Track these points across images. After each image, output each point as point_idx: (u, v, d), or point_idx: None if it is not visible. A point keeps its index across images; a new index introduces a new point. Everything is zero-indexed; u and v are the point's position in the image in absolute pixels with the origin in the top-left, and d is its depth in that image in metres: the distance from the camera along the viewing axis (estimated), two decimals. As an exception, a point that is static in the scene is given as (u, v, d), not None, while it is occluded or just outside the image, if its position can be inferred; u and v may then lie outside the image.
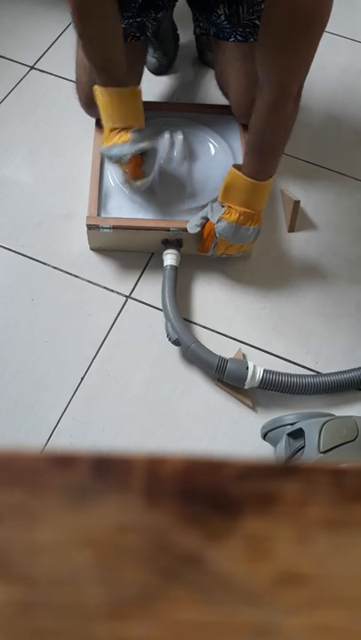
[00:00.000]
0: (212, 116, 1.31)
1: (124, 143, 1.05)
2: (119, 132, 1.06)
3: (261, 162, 1.05)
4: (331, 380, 1.03)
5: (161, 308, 1.11)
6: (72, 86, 1.23)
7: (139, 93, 1.07)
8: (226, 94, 1.29)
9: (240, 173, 1.04)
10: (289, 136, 1.04)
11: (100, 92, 1.05)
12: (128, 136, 1.05)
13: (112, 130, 1.06)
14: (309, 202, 1.30)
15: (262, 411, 1.05)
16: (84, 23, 0.98)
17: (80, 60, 1.19)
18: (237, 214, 1.05)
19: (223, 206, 1.07)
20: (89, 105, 1.22)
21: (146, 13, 1.17)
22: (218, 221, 1.07)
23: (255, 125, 1.03)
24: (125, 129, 1.06)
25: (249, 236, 1.10)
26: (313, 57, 0.92)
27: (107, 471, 0.20)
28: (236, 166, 1.06)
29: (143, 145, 1.06)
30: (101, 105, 1.06)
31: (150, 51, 1.45)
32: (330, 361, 1.10)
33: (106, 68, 1.03)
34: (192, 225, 1.10)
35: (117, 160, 1.07)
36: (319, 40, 0.89)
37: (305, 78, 0.96)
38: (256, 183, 1.04)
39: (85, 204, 1.15)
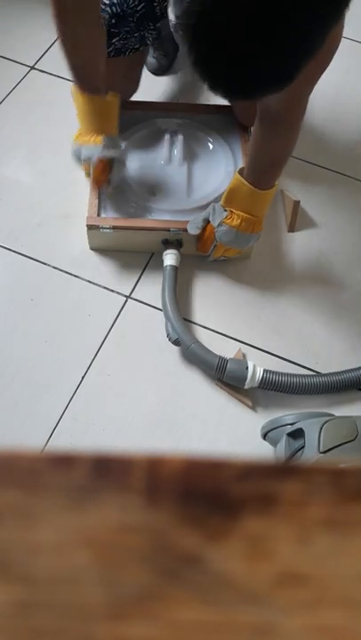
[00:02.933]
0: (212, 117, 1.31)
1: (95, 145, 1.05)
2: (91, 133, 1.06)
3: (264, 174, 1.05)
4: (331, 380, 1.03)
5: (161, 308, 1.11)
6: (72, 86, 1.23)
7: (115, 103, 1.06)
8: None
9: (244, 180, 1.03)
10: (293, 148, 1.03)
11: (75, 94, 1.03)
12: (100, 139, 1.05)
13: (87, 131, 1.06)
14: (310, 202, 1.30)
15: (262, 411, 1.05)
16: (62, 28, 0.94)
17: None
18: (239, 220, 1.05)
19: (225, 210, 1.07)
20: None
21: (144, 26, 1.15)
22: (219, 225, 1.07)
23: (259, 141, 1.02)
24: (98, 132, 1.06)
25: (249, 242, 1.10)
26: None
27: (107, 471, 0.20)
28: (241, 171, 1.06)
29: (112, 152, 1.07)
30: (76, 105, 1.05)
31: (150, 51, 1.45)
32: (330, 361, 1.10)
33: (81, 76, 1.01)
34: (193, 226, 1.10)
35: (85, 160, 1.07)
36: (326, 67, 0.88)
37: (312, 90, 0.94)
38: (259, 192, 1.04)
39: (85, 204, 1.15)
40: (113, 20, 1.10)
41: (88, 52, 0.99)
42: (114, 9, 1.09)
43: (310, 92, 0.93)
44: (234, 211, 1.06)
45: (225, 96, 0.69)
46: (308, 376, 1.03)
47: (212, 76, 0.65)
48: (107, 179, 1.12)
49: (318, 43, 0.61)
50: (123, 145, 1.12)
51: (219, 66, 0.63)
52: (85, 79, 1.01)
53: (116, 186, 1.14)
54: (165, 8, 1.20)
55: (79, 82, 1.02)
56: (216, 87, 0.65)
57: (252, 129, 1.05)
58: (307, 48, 0.61)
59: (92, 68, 1.01)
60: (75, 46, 0.96)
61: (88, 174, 1.12)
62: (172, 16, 0.65)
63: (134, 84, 1.28)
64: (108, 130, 1.07)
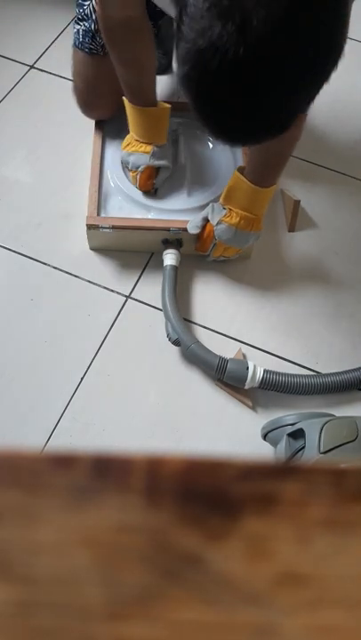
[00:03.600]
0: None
1: (143, 153, 1.12)
2: (142, 143, 1.12)
3: (266, 171, 1.05)
4: (331, 381, 1.03)
5: (161, 307, 1.11)
6: (72, 86, 1.23)
7: (165, 114, 1.11)
8: None
9: (243, 178, 1.04)
10: (295, 145, 1.04)
11: (129, 108, 1.08)
12: (150, 149, 1.12)
13: (137, 140, 1.12)
14: (310, 201, 1.30)
15: (262, 411, 1.05)
16: (112, 48, 1.01)
17: (76, 70, 1.19)
18: (238, 218, 1.05)
19: (224, 208, 1.07)
20: (87, 109, 1.22)
21: None
22: (218, 224, 1.07)
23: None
24: (148, 142, 1.12)
25: (248, 240, 1.10)
26: None
27: (107, 471, 0.20)
28: (240, 169, 1.06)
29: (161, 162, 1.13)
30: (128, 115, 1.10)
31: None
32: (330, 361, 1.10)
33: (133, 92, 1.06)
34: (192, 225, 1.10)
35: (133, 168, 1.14)
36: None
37: None
38: (259, 189, 1.04)
39: (85, 203, 1.15)
40: None
41: (139, 72, 1.05)
42: None
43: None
44: (233, 209, 1.06)
45: (231, 144, 0.72)
46: (308, 376, 1.03)
47: (216, 130, 0.65)
48: (153, 185, 1.17)
49: (318, 89, 0.63)
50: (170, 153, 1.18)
51: (222, 123, 0.63)
52: (136, 94, 1.07)
53: (158, 187, 1.19)
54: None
55: (130, 96, 1.07)
56: (221, 136, 0.66)
57: None
58: (311, 96, 0.63)
59: (144, 85, 1.06)
60: (126, 67, 1.03)
61: (135, 180, 1.17)
62: (174, 66, 0.67)
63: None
64: (159, 138, 1.13)
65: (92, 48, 1.12)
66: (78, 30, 1.14)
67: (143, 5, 0.97)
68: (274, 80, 0.57)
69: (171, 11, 1.04)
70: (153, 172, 1.15)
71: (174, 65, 0.66)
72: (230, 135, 0.66)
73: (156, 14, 1.17)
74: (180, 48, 0.57)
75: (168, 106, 1.10)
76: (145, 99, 1.07)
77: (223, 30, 0.52)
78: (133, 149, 1.12)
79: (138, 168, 1.13)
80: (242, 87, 0.57)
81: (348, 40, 0.64)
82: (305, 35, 0.55)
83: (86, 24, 1.11)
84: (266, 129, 0.64)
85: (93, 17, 1.10)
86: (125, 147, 1.14)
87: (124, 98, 1.08)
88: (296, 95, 0.61)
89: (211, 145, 1.27)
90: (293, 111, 0.63)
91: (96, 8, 0.93)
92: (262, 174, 1.04)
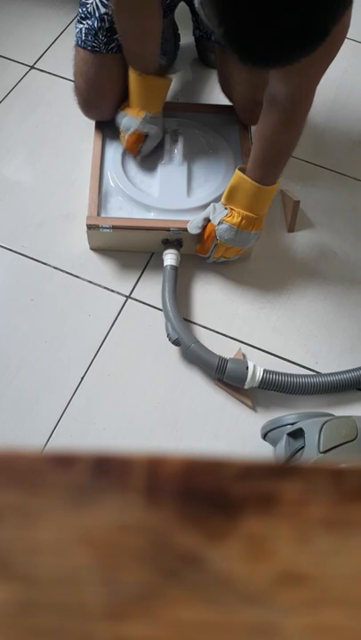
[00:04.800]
0: (212, 116, 1.31)
1: (136, 116, 1.15)
2: (138, 108, 1.16)
3: (269, 168, 1.05)
4: (331, 380, 1.03)
5: (161, 307, 1.11)
6: (72, 86, 1.23)
7: (165, 85, 1.16)
8: (229, 97, 1.29)
9: (246, 177, 1.04)
10: (298, 141, 1.04)
11: (131, 75, 1.12)
12: (142, 114, 1.15)
13: (132, 104, 1.16)
14: (310, 202, 1.30)
15: (262, 411, 1.05)
16: (120, 16, 1.03)
17: (77, 69, 1.19)
18: (240, 217, 1.05)
19: (226, 208, 1.07)
20: (87, 109, 1.22)
21: None
22: (219, 223, 1.07)
23: (265, 135, 1.02)
24: (143, 108, 1.15)
25: (249, 241, 1.10)
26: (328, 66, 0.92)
27: (107, 471, 0.20)
28: (241, 169, 1.06)
29: (148, 128, 1.16)
30: (130, 85, 1.15)
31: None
32: (330, 361, 1.10)
33: (135, 58, 1.10)
34: (193, 225, 1.10)
35: (123, 129, 1.17)
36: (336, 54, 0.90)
37: (319, 82, 0.96)
38: (261, 188, 1.04)
39: (85, 204, 1.15)
40: None
41: (144, 41, 1.08)
42: None
43: (318, 82, 0.96)
44: (234, 208, 1.06)
45: (261, 63, 0.71)
46: (308, 376, 1.03)
47: (245, 44, 0.67)
48: (138, 149, 1.20)
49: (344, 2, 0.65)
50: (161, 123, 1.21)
51: (252, 32, 0.65)
52: (138, 61, 1.10)
53: (144, 156, 1.23)
54: (167, 6, 1.20)
55: (131, 62, 1.11)
56: (251, 55, 0.68)
57: (255, 126, 1.06)
58: (335, 6, 0.64)
59: (146, 53, 1.10)
60: (132, 35, 1.07)
61: (123, 141, 1.20)
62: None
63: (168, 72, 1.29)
64: (151, 108, 1.16)
65: (95, 46, 1.13)
66: (81, 29, 1.14)
67: None
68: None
69: None
70: (141, 137, 1.18)
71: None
72: (265, 51, 0.67)
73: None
74: None
75: (170, 78, 1.16)
76: (146, 66, 1.11)
77: None
78: (128, 112, 1.17)
79: (128, 130, 1.16)
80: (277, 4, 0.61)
81: (347, 41, 0.65)
82: None
83: (89, 22, 1.11)
84: (299, 37, 0.66)
85: (97, 14, 1.10)
86: (123, 108, 1.18)
87: (129, 67, 1.12)
88: (328, 8, 0.64)
89: (211, 145, 1.27)
90: (326, 15, 0.65)
91: None
92: (264, 172, 1.04)
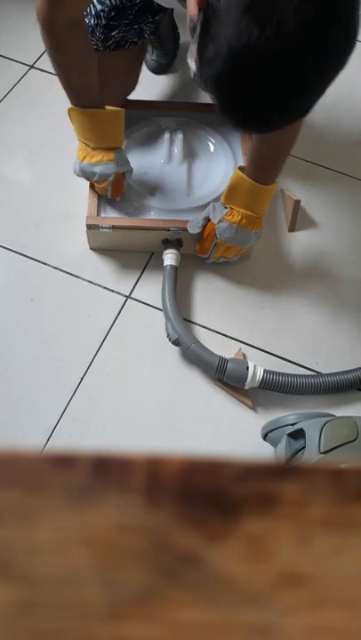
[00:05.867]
0: (212, 116, 1.30)
1: (108, 162, 1.06)
2: (100, 150, 1.06)
3: (268, 168, 1.05)
4: (331, 381, 1.03)
5: (161, 307, 1.11)
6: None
7: (121, 115, 1.06)
8: None
9: (245, 176, 1.04)
10: (296, 140, 1.04)
11: (76, 114, 1.02)
12: (113, 156, 1.06)
13: (94, 148, 1.07)
14: (310, 201, 1.30)
15: (262, 411, 1.05)
16: (60, 54, 0.95)
17: None
18: (240, 216, 1.06)
19: (226, 207, 1.07)
20: None
21: (143, 19, 1.17)
22: (219, 222, 1.07)
23: (263, 135, 1.02)
24: (107, 149, 1.06)
25: (249, 240, 1.10)
26: None
27: (107, 471, 0.20)
28: (241, 168, 1.06)
29: (125, 166, 1.10)
30: (79, 124, 1.05)
31: (150, 50, 1.45)
32: (330, 361, 1.10)
33: (84, 94, 1.01)
34: (193, 225, 1.10)
35: (101, 179, 1.08)
36: None
37: None
38: (261, 187, 1.04)
39: (85, 203, 1.15)
40: (112, 13, 1.11)
41: (87, 70, 1.00)
42: (113, 1, 1.10)
43: None
44: (234, 207, 1.06)
45: (255, 132, 0.78)
46: (308, 376, 1.03)
47: (246, 122, 0.73)
48: (122, 191, 1.14)
49: (336, 77, 0.68)
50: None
51: (254, 114, 0.69)
52: (87, 96, 1.01)
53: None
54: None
55: (81, 101, 1.01)
56: (248, 128, 0.75)
57: None
58: (329, 77, 0.68)
59: (92, 83, 1.01)
60: (75, 68, 0.98)
61: (103, 191, 1.12)
62: (192, 65, 0.73)
63: (133, 81, 1.28)
64: (117, 141, 1.08)
65: (92, 43, 1.13)
66: None
67: (87, 3, 0.99)
68: (305, 72, 0.63)
69: (170, 3, 1.05)
70: (121, 177, 1.11)
71: (191, 64, 0.70)
72: (260, 123, 0.72)
73: (153, 9, 1.17)
74: (209, 49, 0.63)
75: (122, 109, 1.05)
76: (95, 99, 1.02)
77: (261, 33, 0.58)
78: (96, 160, 1.07)
79: (108, 178, 1.08)
80: (276, 81, 0.63)
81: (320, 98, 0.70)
82: (332, 32, 0.61)
83: (86, 20, 1.11)
84: (295, 114, 0.71)
85: (93, 12, 1.10)
86: (84, 158, 1.08)
87: (69, 109, 1.02)
88: (322, 82, 0.68)
89: (211, 144, 1.27)
90: (318, 96, 0.69)
91: (40, 14, 0.88)
92: (263, 171, 1.04)
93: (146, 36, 1.22)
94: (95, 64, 1.01)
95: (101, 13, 1.10)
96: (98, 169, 1.07)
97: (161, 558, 0.19)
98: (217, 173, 1.22)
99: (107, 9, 1.10)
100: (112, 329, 1.11)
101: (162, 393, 1.05)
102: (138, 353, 1.09)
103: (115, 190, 1.11)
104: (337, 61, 0.66)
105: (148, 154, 1.24)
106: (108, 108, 1.03)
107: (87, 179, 1.11)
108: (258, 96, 0.65)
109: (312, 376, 1.04)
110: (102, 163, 1.07)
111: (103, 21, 1.10)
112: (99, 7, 1.10)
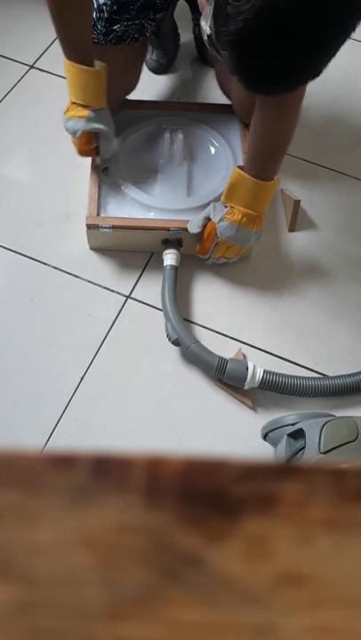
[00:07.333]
0: (212, 116, 1.31)
1: (79, 118, 1.07)
2: (78, 106, 1.07)
3: (267, 162, 1.05)
4: (331, 384, 1.02)
5: (161, 308, 1.11)
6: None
7: (102, 75, 1.05)
8: (227, 93, 1.29)
9: (245, 173, 1.04)
10: (293, 133, 1.04)
11: (66, 65, 1.03)
12: (85, 113, 1.06)
13: (73, 103, 1.07)
14: (310, 201, 1.30)
15: (262, 411, 1.05)
16: (60, 9, 0.96)
17: None
18: (240, 215, 1.05)
19: (226, 206, 1.07)
20: None
21: (145, 15, 1.18)
22: (220, 221, 1.07)
23: (260, 128, 1.02)
24: (85, 106, 1.06)
25: (250, 239, 1.10)
26: None
27: (107, 471, 0.20)
28: (240, 167, 1.06)
29: (96, 125, 1.08)
30: (67, 77, 1.05)
31: (150, 50, 1.45)
32: (330, 361, 1.10)
33: (77, 48, 1.01)
34: (193, 225, 1.10)
35: (71, 132, 1.09)
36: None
37: None
38: (261, 184, 1.04)
39: (85, 203, 1.15)
40: (115, 7, 1.12)
41: (76, 19, 0.99)
42: None
43: None
44: (235, 206, 1.06)
45: (267, 93, 0.79)
46: (308, 378, 1.03)
47: (255, 77, 0.74)
48: (93, 151, 1.14)
49: (352, 30, 0.69)
50: (110, 118, 1.13)
51: (264, 69, 0.70)
52: (76, 46, 1.01)
53: (106, 159, 1.17)
54: (166, 1, 1.21)
55: (69, 50, 1.01)
56: (259, 84, 0.75)
57: (251, 122, 1.06)
58: (345, 36, 0.69)
59: (84, 34, 1.01)
60: (68, 12, 0.97)
61: (77, 146, 1.13)
62: (206, 27, 0.75)
63: (134, 79, 1.28)
64: (96, 100, 1.07)
65: (94, 37, 1.13)
66: None
67: None
68: (326, 30, 0.66)
69: None
70: (92, 136, 1.10)
71: (205, 27, 0.72)
72: (274, 82, 0.73)
73: (155, 6, 1.17)
74: (230, 6, 0.65)
75: (105, 67, 1.05)
76: (85, 52, 1.02)
77: None
78: (70, 114, 1.08)
79: (76, 133, 1.08)
80: (297, 38, 0.66)
81: (349, 41, 0.69)
82: None
83: None
84: (309, 73, 0.73)
85: (95, 5, 1.10)
86: (66, 111, 1.09)
87: (64, 60, 1.03)
88: (339, 40, 0.70)
89: (211, 144, 1.27)
90: (332, 55, 0.71)
91: None
92: (263, 166, 1.04)
93: (147, 33, 1.23)
94: (89, 12, 1.01)
95: (104, 7, 1.10)
96: (70, 123, 1.08)
97: (161, 558, 0.19)
98: (217, 173, 1.22)
99: (109, 2, 1.11)
100: (112, 329, 1.11)
101: (162, 393, 1.05)
102: (138, 353, 1.09)
103: (80, 146, 1.11)
104: (352, 17, 0.67)
105: (148, 154, 1.24)
106: (94, 67, 1.03)
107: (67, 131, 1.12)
108: (275, 54, 0.67)
109: (312, 378, 1.04)
110: (74, 118, 1.07)
111: (105, 15, 1.10)
112: (101, 0, 1.10)
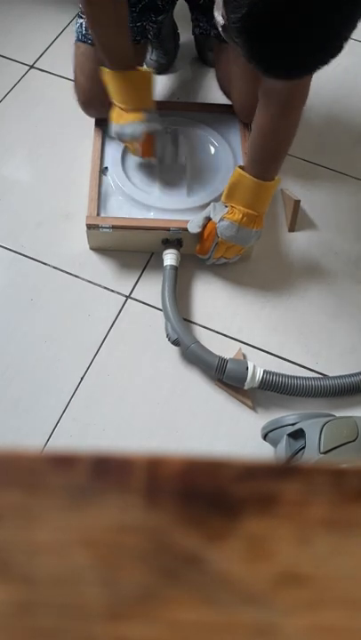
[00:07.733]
0: (212, 116, 1.31)
1: (137, 121, 1.08)
2: (129, 111, 1.08)
3: (268, 162, 1.05)
4: (331, 384, 1.02)
5: (161, 308, 1.11)
6: (71, 85, 1.23)
7: (150, 76, 1.08)
8: (228, 94, 1.29)
9: (245, 173, 1.04)
10: (295, 133, 1.04)
11: (110, 76, 1.05)
12: (141, 115, 1.08)
13: (125, 110, 1.09)
14: (310, 201, 1.30)
15: (262, 411, 1.05)
16: (91, 9, 0.98)
17: (78, 63, 1.19)
18: (240, 214, 1.05)
19: (226, 206, 1.07)
20: (88, 106, 1.22)
21: (146, 17, 1.18)
22: (220, 220, 1.07)
23: (263, 128, 1.02)
24: (136, 109, 1.08)
25: (250, 239, 1.10)
26: None
27: (107, 471, 0.20)
28: (241, 167, 1.06)
29: (155, 125, 1.11)
30: (111, 87, 1.07)
31: (150, 50, 1.45)
32: (330, 361, 1.10)
33: (115, 54, 1.04)
34: (193, 224, 1.10)
35: (130, 138, 1.10)
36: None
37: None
38: (261, 184, 1.04)
39: (85, 203, 1.15)
40: None
41: (119, 30, 1.02)
42: None
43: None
44: (235, 206, 1.06)
45: (283, 76, 0.77)
46: (308, 378, 1.03)
47: (269, 61, 0.73)
48: (154, 151, 1.17)
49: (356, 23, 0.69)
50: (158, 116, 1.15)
51: (278, 52, 0.70)
52: (118, 56, 1.03)
53: (160, 156, 1.20)
54: (167, 2, 1.21)
55: (111, 61, 1.04)
56: (275, 67, 0.73)
57: (253, 121, 1.06)
58: (357, 18, 0.69)
59: (123, 44, 1.03)
60: (106, 26, 1.00)
61: (135, 151, 1.16)
62: (219, 18, 0.75)
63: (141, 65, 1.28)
64: (146, 103, 1.10)
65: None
66: (81, 24, 1.14)
67: None
68: (341, 14, 0.67)
69: None
70: (152, 138, 1.14)
71: (218, 17, 0.72)
72: (289, 66, 0.73)
73: (157, 9, 1.17)
74: None
75: (151, 70, 1.08)
76: (126, 60, 1.04)
77: None
78: (126, 120, 1.08)
79: (137, 137, 1.09)
80: (310, 23, 0.66)
81: (349, 41, 0.68)
82: None
83: None
84: (323, 57, 0.72)
85: None
86: (117, 119, 1.10)
87: (103, 71, 1.05)
88: (352, 23, 0.69)
89: (211, 144, 1.27)
90: (346, 39, 0.70)
91: None
92: (264, 166, 1.04)
93: (149, 36, 1.22)
94: (127, 23, 1.03)
95: None
96: (128, 129, 1.09)
97: (161, 558, 0.19)
98: (217, 173, 1.22)
99: (80, 5, 1.10)
100: (112, 329, 1.11)
101: (162, 393, 1.05)
102: (138, 353, 1.09)
103: (145, 150, 1.14)
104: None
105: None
106: (138, 69, 1.06)
107: (121, 140, 1.14)
108: (288, 37, 0.67)
109: (312, 378, 1.04)
110: (132, 123, 1.08)
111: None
112: None
